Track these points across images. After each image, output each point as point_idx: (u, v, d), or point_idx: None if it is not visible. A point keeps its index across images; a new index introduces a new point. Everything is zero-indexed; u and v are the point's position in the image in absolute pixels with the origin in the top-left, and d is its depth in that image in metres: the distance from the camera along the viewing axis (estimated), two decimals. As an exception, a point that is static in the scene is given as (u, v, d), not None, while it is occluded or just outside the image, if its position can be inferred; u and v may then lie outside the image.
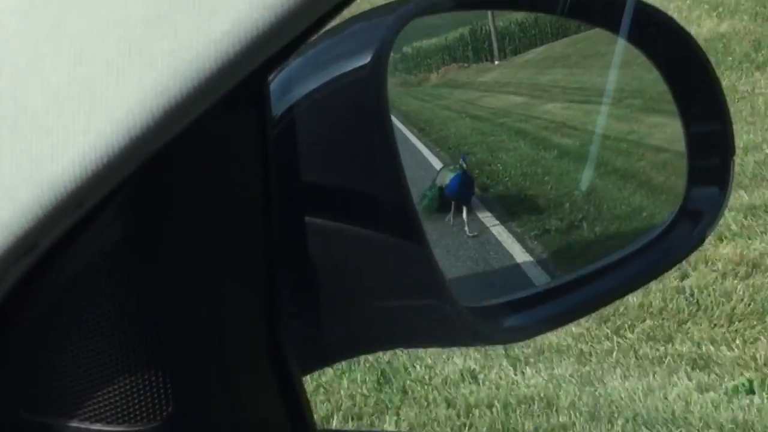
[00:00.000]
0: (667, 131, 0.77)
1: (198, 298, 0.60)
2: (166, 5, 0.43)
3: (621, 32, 0.71)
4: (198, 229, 0.59)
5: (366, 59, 0.62)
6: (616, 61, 0.73)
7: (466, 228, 0.76)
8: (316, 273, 0.64)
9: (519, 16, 0.71)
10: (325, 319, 0.66)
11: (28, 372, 0.60)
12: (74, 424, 0.59)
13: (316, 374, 2.89)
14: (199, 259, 0.59)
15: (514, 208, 0.76)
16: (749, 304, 3.50)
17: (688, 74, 0.74)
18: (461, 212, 0.76)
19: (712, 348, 3.28)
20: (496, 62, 0.67)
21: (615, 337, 3.25)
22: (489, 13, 0.67)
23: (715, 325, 3.43)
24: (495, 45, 0.67)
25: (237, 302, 0.61)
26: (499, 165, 0.71)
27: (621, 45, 0.70)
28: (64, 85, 0.45)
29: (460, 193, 0.76)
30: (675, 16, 0.66)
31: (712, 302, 3.52)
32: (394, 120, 0.65)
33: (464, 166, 0.76)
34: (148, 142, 0.47)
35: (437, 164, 0.71)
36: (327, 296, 0.65)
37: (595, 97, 0.73)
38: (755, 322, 3.22)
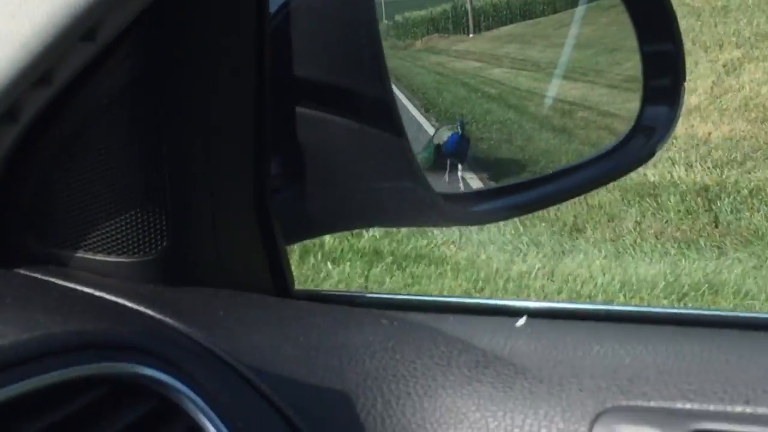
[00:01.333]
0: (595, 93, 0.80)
1: (195, 148, 0.67)
2: None
3: None
4: (198, 84, 0.66)
5: None
6: (569, 40, 0.82)
7: (461, 185, 0.86)
8: (303, 154, 0.71)
9: None
10: (308, 194, 0.73)
11: (40, 202, 0.67)
12: (79, 254, 0.68)
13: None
14: (197, 114, 0.66)
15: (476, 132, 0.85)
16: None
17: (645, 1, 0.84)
18: (456, 170, 0.86)
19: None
20: (470, 35, 0.87)
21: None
22: None
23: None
24: (471, 21, 0.88)
25: (228, 162, 0.69)
26: (448, 106, 0.83)
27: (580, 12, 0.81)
28: None
29: (456, 151, 0.85)
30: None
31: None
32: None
33: (459, 128, 0.88)
34: None
35: (407, 104, 0.86)
36: (312, 175, 0.72)
37: (531, 67, 0.80)
38: None
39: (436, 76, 0.86)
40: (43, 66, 0.56)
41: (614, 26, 0.81)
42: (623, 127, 0.83)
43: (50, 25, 0.54)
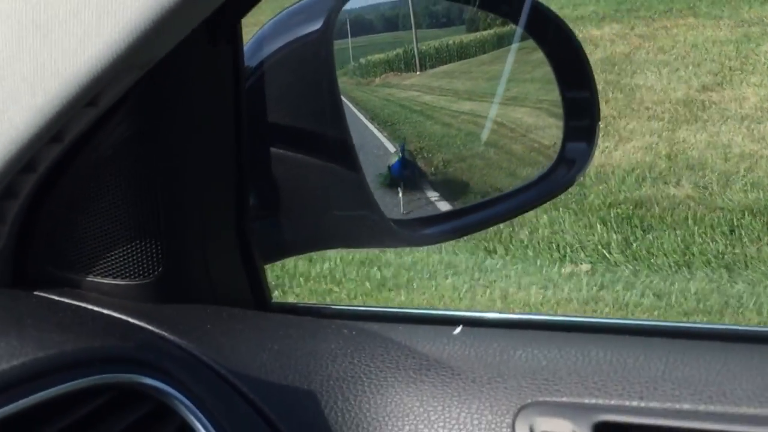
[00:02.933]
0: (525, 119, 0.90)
1: (184, 189, 0.76)
2: None
3: (519, 23, 0.95)
4: (185, 136, 0.75)
5: (318, 24, 0.79)
6: (505, 72, 0.93)
7: (401, 209, 0.91)
8: (276, 189, 0.81)
9: (436, 43, 1.00)
10: (281, 222, 0.83)
11: (58, 237, 0.77)
12: (89, 278, 0.77)
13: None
14: (185, 159, 0.76)
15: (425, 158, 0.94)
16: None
17: (565, 54, 0.95)
18: (398, 192, 0.91)
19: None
20: (417, 73, 0.98)
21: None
22: (414, 39, 0.98)
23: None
24: (417, 62, 0.98)
25: (213, 199, 0.79)
26: (407, 129, 0.93)
27: (512, 53, 0.92)
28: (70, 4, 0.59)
29: (401, 176, 0.93)
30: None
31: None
32: (349, 104, 0.86)
33: (400, 153, 0.95)
34: (145, 50, 0.61)
35: (370, 125, 0.95)
36: (284, 206, 0.82)
37: (466, 96, 0.91)
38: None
39: (392, 105, 0.94)
40: (55, 128, 0.66)
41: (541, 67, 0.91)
42: (548, 160, 0.94)
43: (60, 95, 0.63)
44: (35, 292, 0.76)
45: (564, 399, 0.70)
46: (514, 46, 0.96)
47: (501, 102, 1.00)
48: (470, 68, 1.03)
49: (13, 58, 0.62)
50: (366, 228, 0.81)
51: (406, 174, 0.93)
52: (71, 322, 0.71)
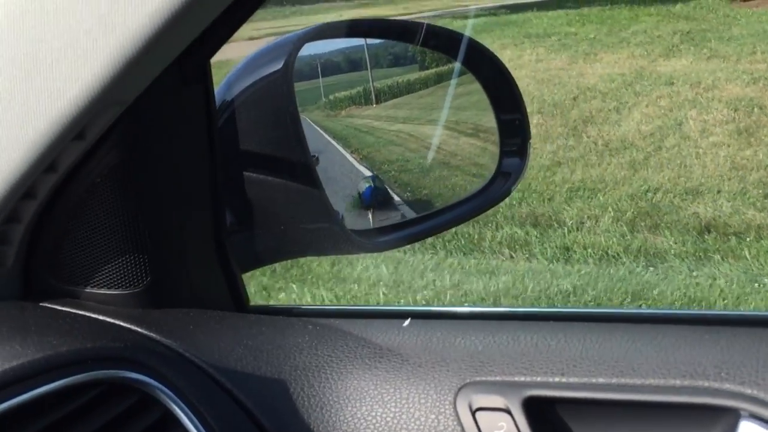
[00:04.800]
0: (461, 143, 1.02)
1: (167, 209, 0.85)
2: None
3: (458, 58, 1.05)
4: (165, 165, 0.84)
5: (279, 65, 0.88)
6: (447, 100, 1.05)
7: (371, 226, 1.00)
8: (248, 207, 0.90)
9: (389, 81, 1.13)
10: (254, 236, 0.92)
11: (58, 254, 0.84)
12: (87, 289, 0.86)
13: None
14: (166, 184, 0.84)
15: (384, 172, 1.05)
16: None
17: (498, 83, 1.05)
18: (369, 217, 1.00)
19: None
20: (374, 105, 1.10)
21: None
22: (370, 78, 1.10)
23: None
24: (374, 96, 1.10)
25: (193, 217, 0.88)
26: (367, 151, 1.04)
27: (456, 71, 1.04)
28: (61, 47, 0.67)
29: (373, 201, 1.02)
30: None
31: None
32: (321, 131, 0.99)
33: (372, 182, 1.04)
34: (120, 90, 0.69)
35: (342, 149, 1.05)
36: (256, 221, 0.91)
37: (408, 121, 1.04)
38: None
39: (356, 131, 1.06)
40: (48, 159, 0.73)
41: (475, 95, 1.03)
42: (487, 173, 1.04)
43: (50, 131, 0.70)
44: (40, 303, 0.84)
45: (497, 378, 0.78)
46: (453, 81, 1.08)
47: (444, 126, 1.11)
48: (412, 100, 1.15)
49: (7, 101, 0.70)
50: (328, 237, 0.90)
51: (377, 200, 1.03)
52: (70, 327, 0.79)
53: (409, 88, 1.12)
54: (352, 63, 1.16)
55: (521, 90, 1.03)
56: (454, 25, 11.16)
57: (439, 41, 1.06)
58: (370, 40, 1.05)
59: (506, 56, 8.78)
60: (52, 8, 0.66)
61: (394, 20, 1.09)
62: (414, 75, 1.13)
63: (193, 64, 0.80)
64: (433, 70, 1.09)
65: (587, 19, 11.66)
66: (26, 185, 0.76)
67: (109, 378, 0.73)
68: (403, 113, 1.12)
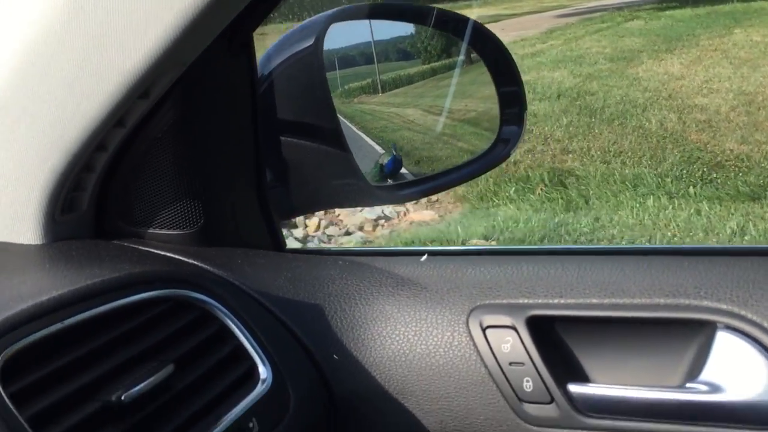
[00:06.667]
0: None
1: (217, 163, 0.94)
2: None
3: (465, 39, 1.17)
4: (216, 125, 0.93)
5: (310, 42, 0.98)
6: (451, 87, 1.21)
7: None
8: (285, 166, 1.01)
9: (393, 74, 1.30)
10: (291, 190, 1.03)
11: (126, 200, 0.94)
12: (150, 230, 0.95)
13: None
14: (217, 143, 0.93)
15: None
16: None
17: (498, 60, 1.17)
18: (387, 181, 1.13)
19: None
20: (380, 94, 1.26)
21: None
22: (377, 71, 1.26)
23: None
24: (380, 86, 1.26)
25: (239, 171, 0.98)
26: (378, 132, 1.20)
27: (462, 51, 1.17)
28: (128, 19, 0.75)
29: (394, 169, 1.15)
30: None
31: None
32: (342, 119, 1.04)
33: (394, 152, 1.18)
34: (181, 51, 0.76)
35: (356, 129, 1.19)
36: (292, 178, 1.02)
37: (423, 107, 1.20)
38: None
39: (366, 115, 1.20)
40: (117, 115, 0.81)
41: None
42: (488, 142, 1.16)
43: (120, 90, 0.78)
44: (111, 241, 0.95)
45: (504, 301, 0.86)
46: (456, 71, 1.24)
47: (446, 111, 1.27)
48: (409, 90, 1.31)
49: (80, 68, 0.78)
50: (354, 192, 1.01)
51: (397, 168, 1.16)
52: (138, 259, 0.90)
53: (408, 81, 1.28)
54: (365, 56, 1.30)
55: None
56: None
57: (448, 24, 1.18)
58: (378, 38, 1.21)
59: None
60: None
61: (410, 5, 1.20)
62: (413, 70, 1.29)
63: (239, 39, 0.90)
64: (427, 66, 1.25)
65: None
66: (98, 139, 0.84)
67: (174, 296, 0.81)
68: (398, 99, 1.27)
